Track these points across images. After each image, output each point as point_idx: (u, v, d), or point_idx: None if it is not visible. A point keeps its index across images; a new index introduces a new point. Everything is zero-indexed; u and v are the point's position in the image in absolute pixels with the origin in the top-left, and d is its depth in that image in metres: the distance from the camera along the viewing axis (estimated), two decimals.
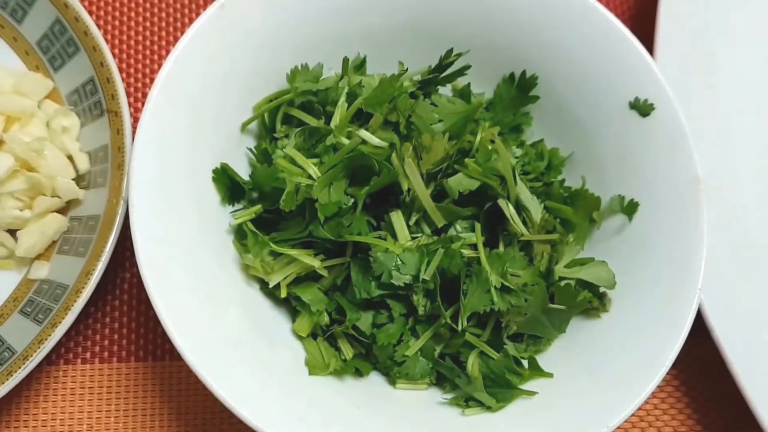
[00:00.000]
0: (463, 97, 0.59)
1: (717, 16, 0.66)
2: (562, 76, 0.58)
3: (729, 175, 0.61)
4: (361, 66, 0.59)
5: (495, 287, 0.49)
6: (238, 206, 0.56)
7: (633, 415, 0.59)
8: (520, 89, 0.60)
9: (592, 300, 0.52)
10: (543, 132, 0.60)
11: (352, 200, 0.51)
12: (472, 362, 0.51)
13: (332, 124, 0.51)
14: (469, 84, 0.60)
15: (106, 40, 0.67)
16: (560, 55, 0.58)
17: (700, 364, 0.62)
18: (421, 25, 0.60)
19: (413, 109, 0.52)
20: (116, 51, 0.68)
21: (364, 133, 0.50)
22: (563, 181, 0.58)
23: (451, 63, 0.56)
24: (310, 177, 0.51)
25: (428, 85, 0.57)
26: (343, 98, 0.52)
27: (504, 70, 0.61)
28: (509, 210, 0.50)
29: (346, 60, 0.56)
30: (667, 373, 0.61)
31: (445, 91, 0.61)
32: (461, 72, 0.58)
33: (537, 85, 0.59)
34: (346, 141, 0.50)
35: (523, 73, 0.59)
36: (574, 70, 0.57)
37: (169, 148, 0.51)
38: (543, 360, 0.53)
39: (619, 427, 0.58)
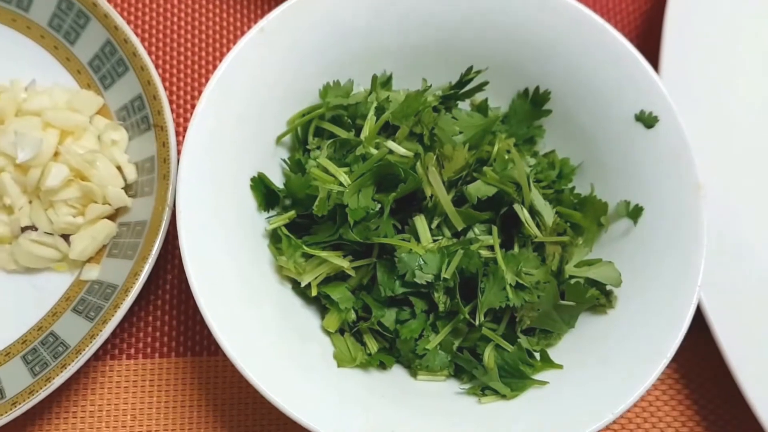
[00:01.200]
0: (481, 111, 0.64)
1: (720, 35, 0.70)
2: (573, 91, 0.62)
3: (729, 181, 0.65)
4: (387, 82, 0.64)
5: (510, 285, 0.53)
6: (272, 212, 0.61)
7: (636, 405, 0.63)
8: (533, 104, 0.64)
9: (599, 297, 0.56)
10: (555, 143, 0.65)
11: (379, 205, 0.55)
12: (488, 354, 0.55)
13: (362, 136, 0.56)
14: (486, 99, 0.64)
15: (153, 60, 0.72)
16: (572, 72, 0.62)
17: (700, 359, 0.66)
18: (444, 45, 0.64)
19: (436, 122, 0.56)
20: (161, 70, 0.73)
21: (391, 144, 0.55)
22: (573, 188, 0.62)
23: (471, 79, 0.61)
24: (341, 184, 0.55)
25: (449, 99, 0.62)
26: (371, 112, 0.57)
27: (519, 86, 0.65)
28: (524, 214, 0.55)
29: (375, 77, 0.61)
30: (668, 368, 0.65)
31: (464, 105, 0.65)
32: (480, 88, 0.63)
33: (549, 100, 0.63)
34: (374, 151, 0.55)
35: (537, 89, 0.64)
36: (584, 86, 0.62)
37: (211, 159, 0.56)
38: (553, 352, 0.57)
39: (623, 417, 0.62)
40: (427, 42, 0.64)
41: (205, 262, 0.53)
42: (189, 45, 0.74)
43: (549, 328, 0.57)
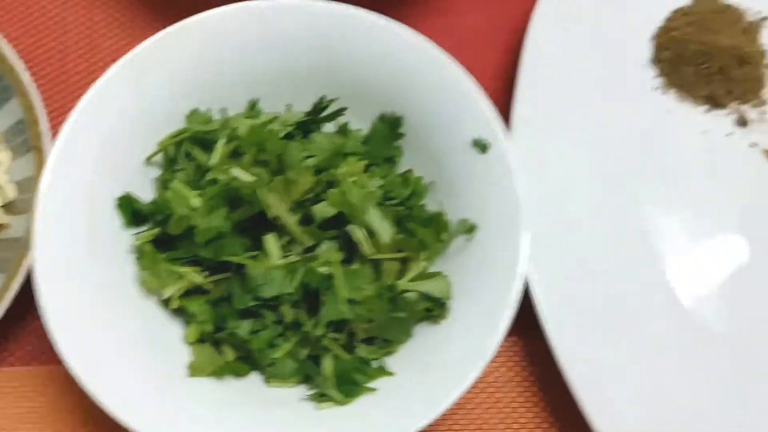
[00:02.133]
0: (342, 134, 0.69)
1: (570, 87, 0.76)
2: (424, 117, 0.67)
3: (571, 199, 0.71)
4: (253, 108, 0.69)
5: (345, 299, 0.58)
6: (142, 229, 0.65)
7: (488, 405, 0.69)
8: (390, 127, 0.69)
9: (433, 309, 0.61)
10: (412, 163, 0.69)
11: (232, 226, 0.60)
12: (327, 363, 0.60)
13: (211, 162, 0.61)
14: (346, 123, 0.69)
15: (39, 86, 0.76)
16: (422, 101, 0.66)
17: (542, 356, 0.70)
18: (309, 73, 0.68)
19: (285, 148, 0.61)
20: (51, 90, 0.78)
21: (235, 170, 0.59)
22: (424, 205, 0.67)
23: (325, 107, 0.66)
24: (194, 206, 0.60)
25: (306, 125, 0.67)
26: (223, 139, 0.62)
27: (380, 110, 0.70)
28: (358, 234, 0.60)
29: (224, 110, 0.66)
30: (526, 371, 0.71)
31: (331, 127, 0.70)
32: (339, 113, 0.68)
33: (402, 125, 0.68)
34: (223, 177, 0.60)
35: (392, 114, 0.69)
36: (432, 113, 0.66)
37: (73, 181, 0.60)
38: (393, 360, 0.61)
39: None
40: (294, 69, 0.68)
41: (59, 277, 0.57)
42: (75, 64, 0.78)
43: (388, 338, 0.62)
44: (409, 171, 0.70)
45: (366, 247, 0.60)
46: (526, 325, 0.68)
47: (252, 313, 0.62)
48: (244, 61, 0.66)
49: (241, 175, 0.59)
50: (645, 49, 0.83)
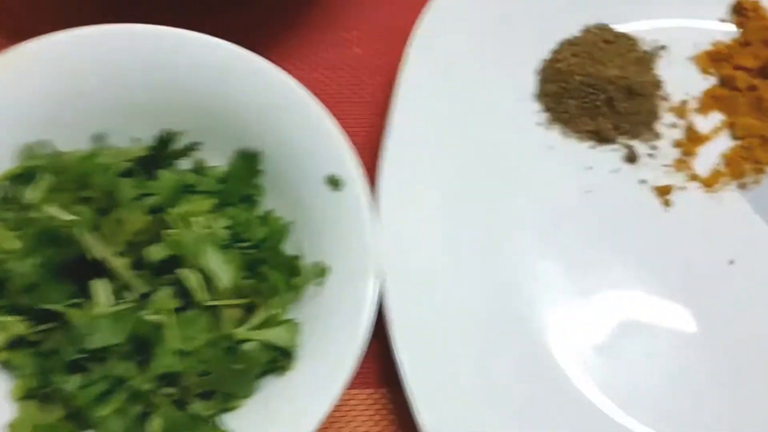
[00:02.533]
0: (197, 171, 0.65)
1: (446, 124, 0.73)
2: (283, 154, 0.63)
3: (441, 248, 0.68)
4: (99, 140, 0.64)
5: (176, 350, 0.53)
6: None
7: None
8: (249, 163, 0.65)
9: (278, 359, 0.57)
10: (275, 203, 0.65)
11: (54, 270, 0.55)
12: (155, 421, 0.54)
13: (31, 199, 0.56)
14: (203, 160, 0.65)
15: None
16: (281, 137, 0.63)
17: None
18: (159, 105, 0.64)
19: (115, 185, 0.57)
20: None
21: (51, 209, 0.55)
22: (280, 248, 0.63)
23: (171, 141, 0.62)
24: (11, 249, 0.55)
25: (153, 161, 0.62)
26: (44, 174, 0.57)
27: (239, 145, 0.66)
28: (190, 279, 0.55)
29: (49, 144, 0.61)
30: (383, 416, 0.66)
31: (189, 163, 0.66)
32: (191, 148, 0.64)
33: (261, 161, 0.64)
34: (40, 215, 0.55)
35: (250, 149, 0.65)
36: (291, 150, 0.63)
37: None
38: (234, 416, 0.56)
39: None
40: (142, 101, 0.64)
41: None
42: None
43: (227, 391, 0.57)
44: (269, 211, 0.66)
45: (199, 293, 0.55)
46: (395, 377, 0.64)
47: (83, 367, 0.56)
48: (83, 92, 0.62)
49: (58, 213, 0.54)
50: (529, 83, 0.81)
